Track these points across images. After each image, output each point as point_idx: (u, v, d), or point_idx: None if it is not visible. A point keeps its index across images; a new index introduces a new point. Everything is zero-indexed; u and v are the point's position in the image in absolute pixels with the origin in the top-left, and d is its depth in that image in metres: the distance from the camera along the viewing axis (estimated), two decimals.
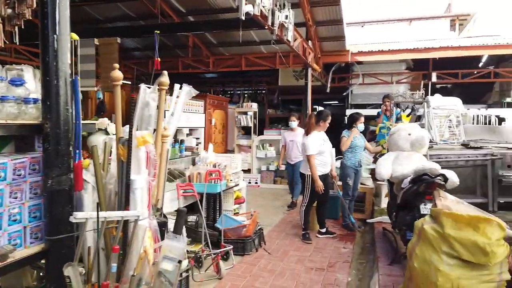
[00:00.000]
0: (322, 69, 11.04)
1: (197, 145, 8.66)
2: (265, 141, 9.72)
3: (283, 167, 7.93)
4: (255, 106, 9.96)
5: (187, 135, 8.28)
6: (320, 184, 5.03)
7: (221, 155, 5.53)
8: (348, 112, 10.85)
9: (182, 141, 4.96)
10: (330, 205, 6.29)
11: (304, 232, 5.30)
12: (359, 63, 11.31)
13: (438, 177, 3.67)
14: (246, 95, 13.46)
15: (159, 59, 5.50)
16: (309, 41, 8.09)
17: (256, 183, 9.76)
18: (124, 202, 2.07)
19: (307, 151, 5.08)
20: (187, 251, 4.26)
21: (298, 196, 7.44)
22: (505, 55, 10.16)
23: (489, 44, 9.63)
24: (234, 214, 5.35)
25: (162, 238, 2.13)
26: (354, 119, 5.63)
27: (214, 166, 4.72)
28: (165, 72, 2.31)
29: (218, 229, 4.51)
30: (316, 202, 5.35)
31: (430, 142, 7.20)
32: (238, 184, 5.31)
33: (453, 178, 3.95)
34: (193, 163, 4.90)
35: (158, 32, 5.37)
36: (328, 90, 11.64)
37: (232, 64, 9.10)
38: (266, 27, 4.54)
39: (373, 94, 11.87)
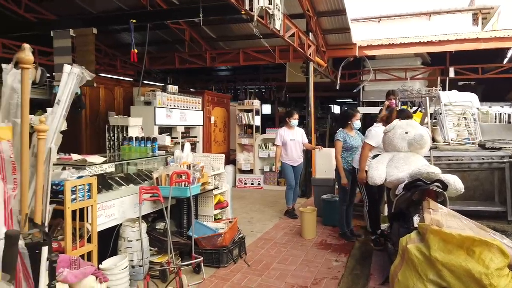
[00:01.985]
0: (330, 65, 10.43)
1: (194, 144, 8.28)
2: (268, 140, 9.21)
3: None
4: (257, 103, 9.44)
5: (183, 133, 7.90)
6: (364, 176, 4.49)
7: (202, 154, 5.05)
8: (361, 110, 10.26)
9: (154, 139, 4.51)
10: (328, 210, 5.77)
11: (375, 237, 4.74)
12: (371, 58, 10.64)
13: (435, 183, 3.07)
14: (252, 92, 12.99)
15: (135, 50, 5.12)
16: (310, 34, 7.50)
17: (259, 184, 9.28)
18: None
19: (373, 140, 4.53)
20: (151, 262, 3.83)
21: (296, 201, 6.87)
22: None
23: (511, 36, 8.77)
24: (216, 220, 4.87)
25: (36, 263, 1.67)
26: (348, 116, 5.05)
27: (189, 167, 4.24)
28: (26, 45, 1.84)
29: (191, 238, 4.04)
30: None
31: (443, 142, 6.54)
32: (218, 187, 4.82)
33: (456, 184, 3.32)
34: (166, 164, 4.45)
35: (134, 21, 4.96)
36: (337, 87, 11.00)
37: (229, 59, 8.62)
38: (242, 12, 4.04)
39: (386, 91, 11.20)
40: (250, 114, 9.40)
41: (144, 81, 8.98)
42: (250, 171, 9.46)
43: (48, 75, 6.63)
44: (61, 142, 2.33)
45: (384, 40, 9.83)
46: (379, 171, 3.84)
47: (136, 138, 4.55)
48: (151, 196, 3.90)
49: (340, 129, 5.14)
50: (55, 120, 2.01)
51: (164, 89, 7.17)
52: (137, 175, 4.25)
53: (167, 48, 9.80)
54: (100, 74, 9.15)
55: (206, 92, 8.77)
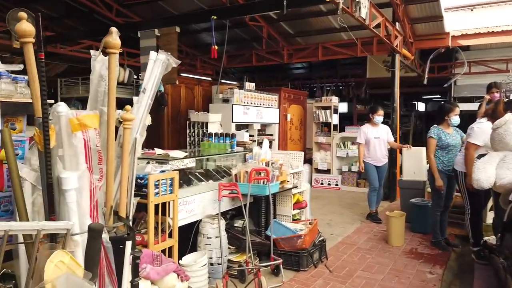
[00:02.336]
0: (417, 58, 9.62)
1: (271, 142, 8.16)
2: (347, 139, 8.78)
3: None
4: (335, 100, 9.05)
5: (259, 131, 7.83)
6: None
7: (280, 152, 4.87)
8: None
9: (233, 136, 4.44)
10: (419, 216, 5.25)
11: (477, 248, 4.16)
12: (465, 49, 9.59)
13: None
14: (329, 89, 12.54)
15: (216, 46, 5.09)
16: (397, 23, 6.93)
17: (336, 185, 8.89)
18: (48, 208, 1.58)
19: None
20: (229, 260, 3.73)
21: (379, 204, 6.37)
22: None
23: None
24: (294, 220, 4.66)
25: (120, 259, 1.59)
26: (446, 110, 4.49)
27: (267, 164, 4.09)
28: (114, 29, 1.75)
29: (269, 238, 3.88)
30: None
31: None
32: (297, 186, 4.60)
33: None
34: (245, 160, 4.35)
35: (215, 17, 4.94)
36: (425, 82, 10.10)
37: (307, 55, 8.34)
38: (327, 0, 3.76)
39: (483, 85, 9.98)
40: (327, 111, 9.06)
41: (222, 81, 9.11)
42: (327, 171, 9.11)
43: (135, 76, 7.00)
44: (145, 137, 2.31)
45: (481, 29, 8.78)
46: (487, 173, 3.30)
47: (216, 134, 4.53)
48: (230, 193, 3.82)
49: (435, 125, 4.60)
50: (140, 109, 1.96)
51: (241, 87, 7.16)
52: (216, 171, 4.21)
53: (244, 46, 9.84)
54: (181, 74, 9.46)
55: (282, 89, 8.59)
